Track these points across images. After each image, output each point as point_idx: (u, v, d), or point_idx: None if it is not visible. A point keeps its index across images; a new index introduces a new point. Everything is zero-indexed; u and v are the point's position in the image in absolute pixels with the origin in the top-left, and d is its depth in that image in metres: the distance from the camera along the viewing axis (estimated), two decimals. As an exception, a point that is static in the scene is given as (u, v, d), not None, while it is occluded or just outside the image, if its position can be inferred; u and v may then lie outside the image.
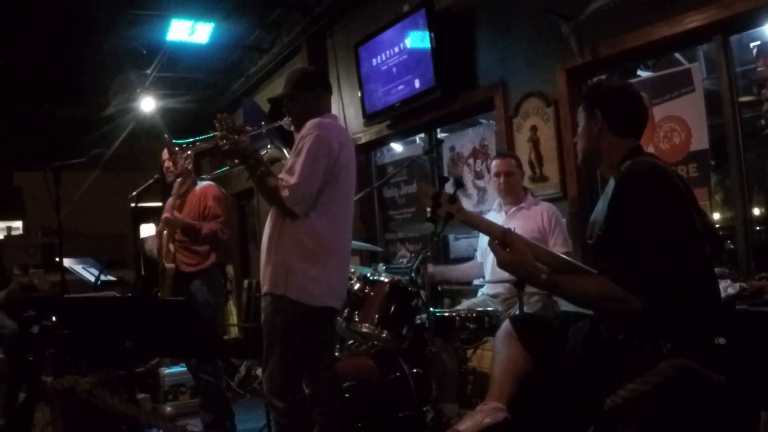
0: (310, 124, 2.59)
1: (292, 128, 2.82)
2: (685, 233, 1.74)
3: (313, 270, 2.54)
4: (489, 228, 1.98)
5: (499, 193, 3.67)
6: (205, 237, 3.70)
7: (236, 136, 2.63)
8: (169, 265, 3.73)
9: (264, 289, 2.62)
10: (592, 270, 1.96)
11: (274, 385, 2.56)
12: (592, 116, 1.96)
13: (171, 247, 3.75)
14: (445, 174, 5.11)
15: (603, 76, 3.82)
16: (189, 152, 2.97)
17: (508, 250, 1.86)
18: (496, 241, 1.89)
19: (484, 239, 3.65)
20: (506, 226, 3.47)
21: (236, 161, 2.68)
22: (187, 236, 3.72)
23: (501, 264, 1.88)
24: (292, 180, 2.50)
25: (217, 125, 2.69)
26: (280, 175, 2.56)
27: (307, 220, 2.55)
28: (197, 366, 3.75)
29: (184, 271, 3.73)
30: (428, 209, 2.02)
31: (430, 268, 3.42)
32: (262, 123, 2.90)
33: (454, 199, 1.98)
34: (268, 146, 3.05)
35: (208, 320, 3.78)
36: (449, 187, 2.12)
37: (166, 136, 2.83)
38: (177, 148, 2.89)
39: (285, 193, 2.50)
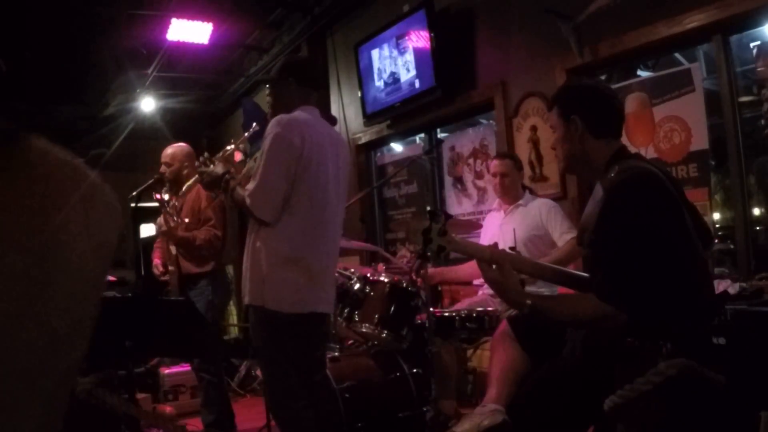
0: (272, 122, 2.47)
1: None
2: (676, 239, 1.72)
3: (290, 276, 2.42)
4: (480, 252, 1.99)
5: (496, 193, 3.70)
6: (200, 247, 3.70)
7: (210, 167, 2.62)
8: (171, 269, 3.74)
9: (245, 299, 2.53)
10: (583, 275, 1.95)
11: (274, 395, 2.53)
12: (570, 122, 1.90)
13: (172, 249, 3.76)
14: (445, 174, 5.12)
15: (603, 77, 3.83)
16: (174, 203, 3.04)
17: (496, 267, 1.86)
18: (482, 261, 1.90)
19: (484, 239, 3.66)
20: (506, 225, 3.51)
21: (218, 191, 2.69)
22: (183, 248, 3.74)
23: (487, 281, 1.89)
24: (251, 187, 2.41)
25: (196, 166, 2.73)
26: (248, 185, 2.50)
27: (280, 224, 2.44)
28: (199, 366, 3.75)
29: (189, 273, 3.74)
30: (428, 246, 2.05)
31: (430, 270, 3.42)
32: (245, 134, 2.91)
33: (444, 232, 1.98)
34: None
35: (211, 321, 3.78)
36: (439, 219, 2.12)
37: (155, 196, 2.91)
38: (167, 208, 2.97)
39: (248, 201, 2.41)
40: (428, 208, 4.97)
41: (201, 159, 2.70)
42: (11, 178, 0.51)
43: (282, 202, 2.43)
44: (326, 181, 2.55)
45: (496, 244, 2.02)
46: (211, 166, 2.63)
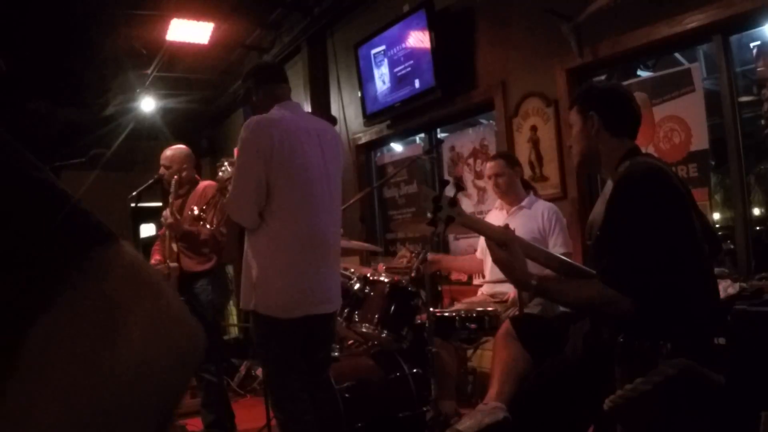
0: (243, 127, 2.46)
1: None
2: (682, 234, 1.74)
3: (278, 280, 2.39)
4: (489, 230, 1.99)
5: (495, 194, 3.68)
6: (204, 242, 3.71)
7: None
8: (173, 265, 3.73)
9: (241, 304, 2.53)
10: (590, 270, 1.96)
11: (275, 397, 2.53)
12: (588, 118, 1.96)
13: (174, 247, 3.75)
14: (445, 174, 5.12)
15: (603, 77, 3.83)
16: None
17: (504, 248, 1.87)
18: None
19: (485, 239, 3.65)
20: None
21: None
22: (186, 242, 3.74)
23: (495, 262, 1.90)
24: (229, 196, 2.43)
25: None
26: None
27: (265, 227, 2.41)
28: (199, 366, 3.75)
29: (189, 271, 3.74)
30: (428, 213, 2.03)
31: (431, 255, 3.42)
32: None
33: (454, 203, 1.98)
34: None
35: (211, 320, 3.78)
36: (450, 189, 2.12)
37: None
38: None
39: (228, 209, 2.44)
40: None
41: (224, 163, 2.73)
42: (77, 280, 0.43)
43: (257, 207, 2.40)
44: (309, 177, 2.48)
45: (507, 225, 2.03)
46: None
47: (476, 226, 2.06)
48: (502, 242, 1.89)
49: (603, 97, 1.99)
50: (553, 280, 1.94)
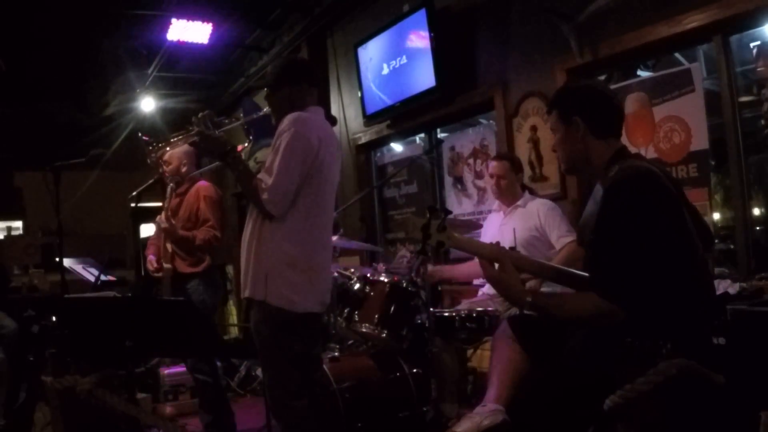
0: (288, 119, 2.47)
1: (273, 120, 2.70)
2: (676, 237, 1.72)
3: (294, 275, 2.44)
4: (480, 249, 1.99)
5: (493, 194, 3.72)
6: (199, 247, 3.71)
7: (213, 132, 2.55)
8: (167, 266, 3.73)
9: (245, 292, 2.52)
10: (585, 275, 1.95)
11: (277, 394, 2.51)
12: (571, 123, 1.91)
13: (168, 247, 3.76)
14: (445, 174, 5.12)
15: (603, 77, 3.83)
16: (161, 147, 2.97)
17: (497, 267, 1.87)
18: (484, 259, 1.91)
19: (484, 240, 3.65)
20: (505, 226, 3.51)
21: (216, 158, 2.58)
22: (181, 247, 3.74)
23: (488, 280, 1.89)
24: (270, 181, 2.40)
25: (194, 121, 2.59)
26: (259, 175, 2.46)
27: (288, 222, 2.45)
28: (193, 366, 3.74)
29: (182, 272, 3.74)
30: (420, 241, 2.06)
31: (430, 268, 3.42)
32: (241, 115, 2.87)
33: (443, 227, 1.99)
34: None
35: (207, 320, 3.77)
36: (437, 216, 2.12)
37: (141, 135, 2.83)
38: (150, 147, 2.87)
39: (264, 195, 2.40)
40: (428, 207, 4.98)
41: (201, 115, 2.60)
42: None
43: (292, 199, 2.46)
44: (333, 182, 2.60)
45: (498, 243, 2.03)
46: (214, 130, 2.58)
47: (467, 246, 2.07)
48: (494, 260, 1.89)
49: (585, 100, 1.94)
50: (547, 296, 1.94)
